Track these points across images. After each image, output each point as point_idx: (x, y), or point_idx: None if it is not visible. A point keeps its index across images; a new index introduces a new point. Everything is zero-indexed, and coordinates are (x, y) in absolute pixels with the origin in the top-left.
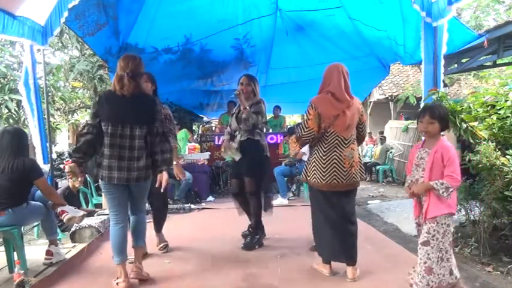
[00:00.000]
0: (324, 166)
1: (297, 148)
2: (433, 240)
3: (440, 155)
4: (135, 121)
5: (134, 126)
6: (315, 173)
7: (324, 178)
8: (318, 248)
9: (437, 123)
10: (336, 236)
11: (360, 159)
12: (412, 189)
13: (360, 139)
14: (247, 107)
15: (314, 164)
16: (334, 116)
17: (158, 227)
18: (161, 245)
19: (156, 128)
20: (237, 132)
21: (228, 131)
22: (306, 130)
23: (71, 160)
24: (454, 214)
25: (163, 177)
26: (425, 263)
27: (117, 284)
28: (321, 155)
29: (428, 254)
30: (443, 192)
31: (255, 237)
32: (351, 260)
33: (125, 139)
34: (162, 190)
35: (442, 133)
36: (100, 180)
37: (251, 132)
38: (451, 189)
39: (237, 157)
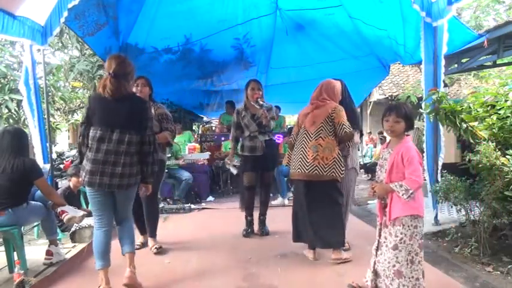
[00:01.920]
0: (295, 157)
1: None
2: (401, 243)
3: (400, 155)
4: (123, 125)
5: (122, 130)
6: (291, 164)
7: (293, 167)
8: (293, 232)
9: (403, 122)
10: (302, 221)
11: (339, 158)
12: (375, 188)
13: (341, 139)
14: (267, 114)
15: (292, 157)
16: (305, 114)
17: (152, 233)
18: (155, 246)
19: (149, 136)
20: (256, 133)
21: (235, 136)
22: (294, 135)
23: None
24: (421, 216)
25: (148, 188)
26: (394, 266)
27: None
28: (295, 148)
29: (397, 258)
30: (403, 195)
31: (265, 223)
32: (319, 245)
33: (111, 144)
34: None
35: (406, 133)
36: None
37: (268, 134)
38: (411, 191)
39: (234, 172)
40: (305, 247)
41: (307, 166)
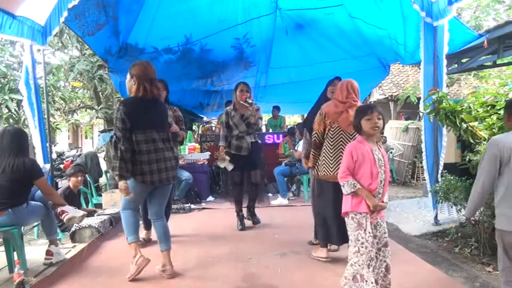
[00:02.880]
0: (332, 159)
1: (312, 156)
2: (387, 240)
3: (385, 155)
4: (165, 125)
5: (165, 129)
6: (324, 167)
7: (331, 170)
8: (320, 234)
9: (382, 119)
10: (336, 224)
11: None
12: (378, 208)
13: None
14: (256, 115)
15: (323, 159)
16: (337, 112)
17: None
18: None
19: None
20: (244, 134)
21: (225, 135)
22: (313, 132)
23: (122, 183)
24: None
25: None
26: (385, 262)
27: (136, 261)
28: (329, 149)
29: (388, 253)
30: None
31: (255, 213)
32: None
33: (162, 142)
34: None
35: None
36: (137, 181)
37: (254, 135)
38: None
39: (230, 167)
40: (307, 248)
41: None
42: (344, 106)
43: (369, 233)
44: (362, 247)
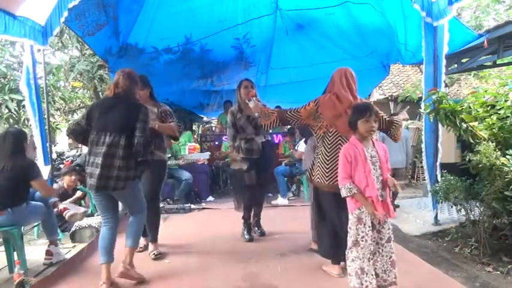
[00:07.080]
0: (327, 167)
1: (272, 116)
2: (391, 234)
3: (384, 151)
4: (113, 129)
5: (119, 133)
6: (318, 173)
7: (326, 179)
8: (321, 248)
9: (378, 122)
10: (338, 236)
11: None
12: (395, 183)
13: (389, 134)
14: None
15: (318, 164)
16: (333, 115)
17: (152, 238)
18: (153, 251)
19: (139, 136)
20: (252, 136)
21: (233, 134)
22: (294, 112)
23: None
24: None
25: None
26: (390, 257)
27: (100, 285)
28: (325, 155)
29: (392, 249)
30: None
31: (260, 224)
32: None
33: (102, 146)
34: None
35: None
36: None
37: (264, 135)
38: None
39: (244, 166)
40: (307, 248)
41: None
42: (343, 107)
43: (369, 227)
44: (362, 241)
